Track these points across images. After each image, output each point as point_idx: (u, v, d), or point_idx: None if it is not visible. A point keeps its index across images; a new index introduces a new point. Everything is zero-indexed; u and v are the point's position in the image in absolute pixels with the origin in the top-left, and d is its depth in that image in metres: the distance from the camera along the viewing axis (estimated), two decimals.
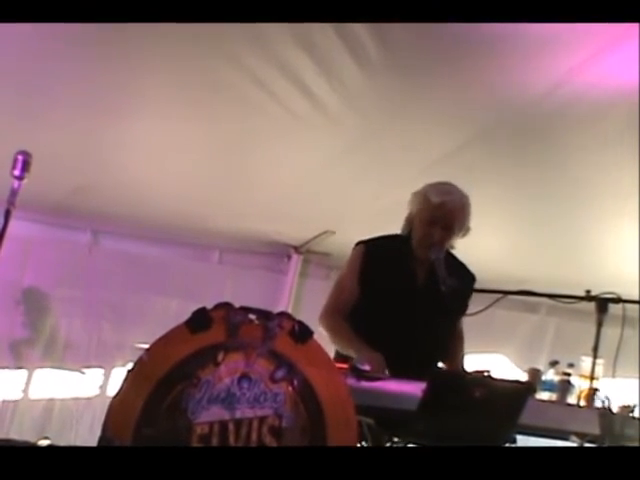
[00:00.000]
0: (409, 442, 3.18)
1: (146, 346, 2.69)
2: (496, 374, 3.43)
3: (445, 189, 3.79)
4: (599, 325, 3.57)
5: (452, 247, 3.85)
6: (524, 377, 4.05)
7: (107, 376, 6.08)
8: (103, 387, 6.06)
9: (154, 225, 6.01)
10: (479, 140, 4.58)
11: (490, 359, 6.48)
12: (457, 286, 3.65)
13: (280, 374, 2.75)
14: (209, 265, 6.41)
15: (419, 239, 3.79)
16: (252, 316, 2.78)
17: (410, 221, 3.86)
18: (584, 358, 3.81)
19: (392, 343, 3.53)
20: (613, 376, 3.64)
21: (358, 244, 3.89)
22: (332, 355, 3.54)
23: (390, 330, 3.63)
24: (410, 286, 3.79)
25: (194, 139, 4.82)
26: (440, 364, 3.91)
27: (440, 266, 3.67)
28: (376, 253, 3.82)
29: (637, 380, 5.26)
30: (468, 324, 3.94)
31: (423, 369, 3.63)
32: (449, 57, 3.94)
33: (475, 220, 3.85)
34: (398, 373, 3.37)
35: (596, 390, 3.63)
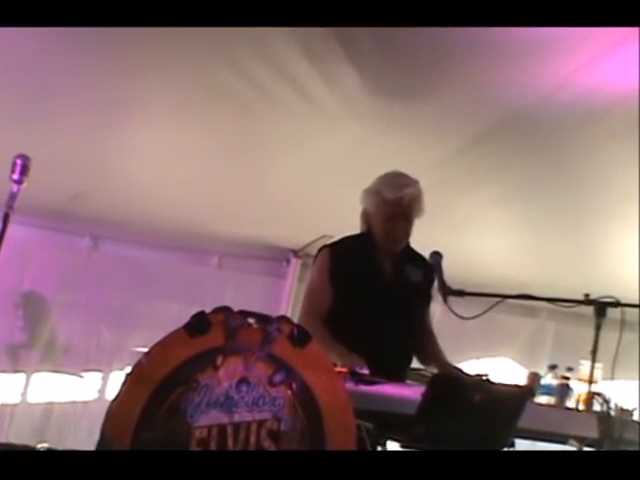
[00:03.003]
0: (408, 446, 3.18)
1: (145, 350, 2.69)
2: (495, 378, 3.43)
3: (397, 182, 3.81)
4: (598, 329, 3.56)
5: None
6: (523, 381, 4.04)
7: (106, 380, 6.09)
8: (102, 391, 6.06)
9: (153, 230, 6.02)
10: (479, 143, 4.58)
11: (489, 363, 6.49)
12: (423, 278, 3.78)
13: (279, 378, 2.75)
14: (208, 269, 6.41)
15: (383, 236, 3.82)
16: (251, 320, 2.78)
17: (366, 218, 3.88)
18: (583, 362, 3.81)
19: (370, 340, 3.53)
20: (612, 380, 3.64)
21: (322, 249, 3.92)
22: None
23: (367, 328, 3.63)
24: (379, 282, 3.81)
25: (193, 144, 4.82)
26: (426, 361, 3.91)
27: (439, 269, 3.70)
28: (342, 255, 3.83)
29: (636, 384, 5.26)
30: (468, 328, 3.94)
31: (403, 363, 3.66)
32: (449, 61, 3.94)
33: (474, 224, 3.86)
34: (379, 370, 3.36)
35: (595, 394, 3.63)
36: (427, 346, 3.94)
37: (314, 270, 3.94)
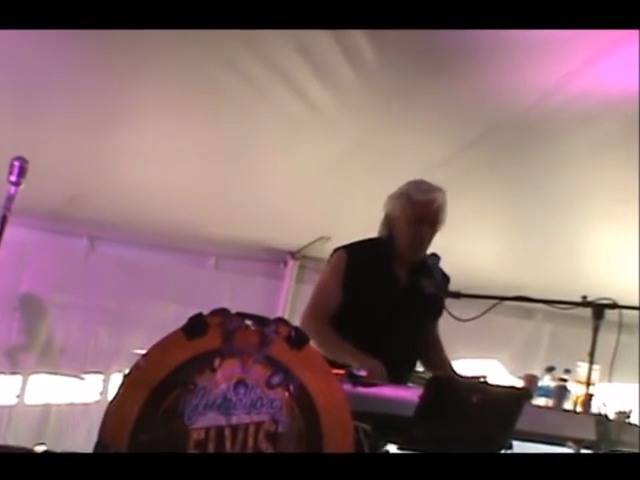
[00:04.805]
0: (406, 448, 3.18)
1: (143, 352, 2.69)
2: (492, 380, 3.43)
3: (426, 187, 3.77)
4: (595, 331, 3.56)
5: None
6: (520, 383, 4.04)
7: (104, 382, 6.09)
8: (100, 393, 6.06)
9: (150, 231, 6.02)
10: (475, 146, 4.59)
11: (486, 365, 6.49)
12: (439, 288, 3.69)
13: (276, 380, 2.75)
14: (205, 271, 6.42)
15: (408, 241, 3.78)
16: (248, 322, 2.78)
17: (389, 224, 3.84)
18: (580, 364, 3.81)
19: (378, 347, 3.52)
20: (609, 382, 3.64)
21: (338, 249, 3.86)
22: None
23: (376, 334, 3.62)
24: (394, 289, 3.79)
25: (190, 146, 4.82)
26: (431, 368, 3.90)
27: (437, 271, 3.68)
28: (358, 258, 3.79)
29: (633, 386, 5.27)
30: (464, 330, 3.93)
31: (409, 372, 3.65)
32: (445, 63, 3.95)
33: (471, 226, 3.86)
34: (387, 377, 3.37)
35: (592, 396, 3.63)
36: (433, 354, 3.93)
37: (327, 269, 3.89)
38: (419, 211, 3.73)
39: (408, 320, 3.73)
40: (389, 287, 3.78)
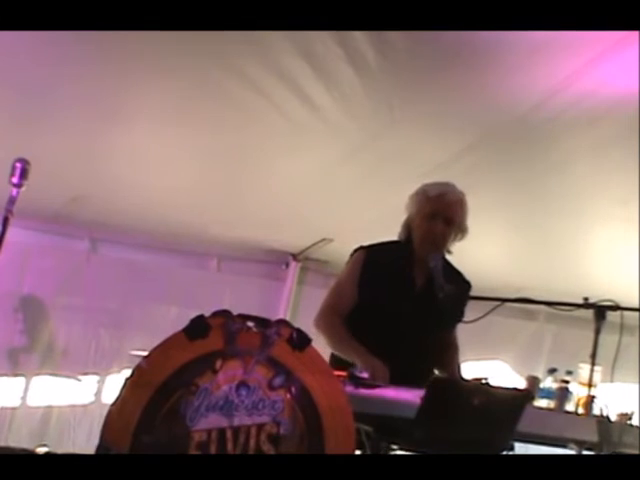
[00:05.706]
0: (407, 450, 3.18)
1: (144, 353, 2.69)
2: (494, 381, 3.43)
3: (442, 184, 3.83)
4: (597, 332, 3.57)
5: (449, 251, 3.84)
6: (522, 384, 4.04)
7: (105, 383, 6.09)
8: (101, 394, 6.06)
9: (152, 233, 6.02)
10: (476, 147, 4.59)
11: (488, 366, 6.49)
12: (454, 293, 3.65)
13: (278, 381, 2.75)
14: (207, 273, 6.41)
15: (421, 236, 3.79)
16: (250, 323, 2.78)
17: (408, 224, 3.86)
18: (582, 365, 3.81)
19: (390, 350, 3.53)
20: (611, 383, 3.64)
21: (358, 249, 3.88)
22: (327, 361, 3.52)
23: (388, 337, 3.62)
24: (409, 293, 3.78)
25: (193, 147, 4.82)
26: (437, 372, 3.90)
27: (438, 272, 3.67)
28: (376, 259, 3.81)
29: (635, 387, 5.27)
30: (466, 331, 3.93)
31: (420, 376, 3.64)
32: (447, 64, 3.94)
33: (473, 227, 3.85)
34: (395, 380, 3.37)
35: (594, 397, 3.63)
36: (444, 357, 3.92)
37: (345, 268, 3.90)
38: (432, 205, 3.77)
39: (420, 325, 3.72)
40: (404, 290, 3.78)
